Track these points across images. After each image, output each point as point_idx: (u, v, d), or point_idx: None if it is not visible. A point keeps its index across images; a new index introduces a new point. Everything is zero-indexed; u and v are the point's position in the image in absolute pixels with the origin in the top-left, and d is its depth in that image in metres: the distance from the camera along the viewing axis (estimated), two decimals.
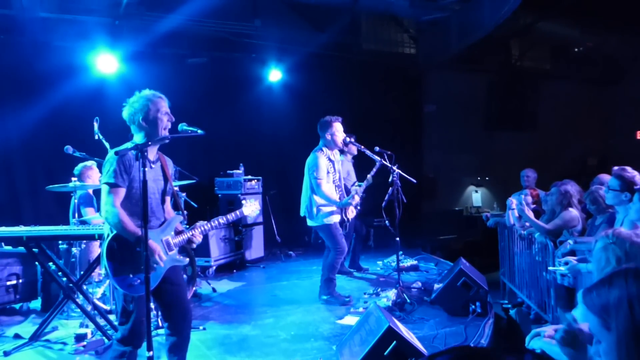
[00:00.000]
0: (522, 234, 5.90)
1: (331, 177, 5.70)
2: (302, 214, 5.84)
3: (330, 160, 5.73)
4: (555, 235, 5.06)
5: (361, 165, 6.97)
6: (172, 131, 3.25)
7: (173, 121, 3.25)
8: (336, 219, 5.69)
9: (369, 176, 6.81)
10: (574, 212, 5.01)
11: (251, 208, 3.78)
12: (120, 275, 3.03)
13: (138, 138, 3.20)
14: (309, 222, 5.80)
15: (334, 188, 5.72)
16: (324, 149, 5.73)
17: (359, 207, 6.77)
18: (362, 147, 5.97)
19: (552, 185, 5.39)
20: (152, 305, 3.22)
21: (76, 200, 5.30)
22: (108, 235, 3.08)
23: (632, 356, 1.32)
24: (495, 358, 0.83)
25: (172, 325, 3.30)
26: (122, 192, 3.07)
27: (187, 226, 3.46)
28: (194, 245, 3.40)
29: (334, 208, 5.67)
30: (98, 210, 5.60)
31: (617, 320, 1.35)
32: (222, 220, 3.53)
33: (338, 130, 5.72)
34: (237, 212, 3.69)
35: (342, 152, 6.84)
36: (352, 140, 6.10)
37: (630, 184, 3.99)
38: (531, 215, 5.48)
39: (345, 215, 5.75)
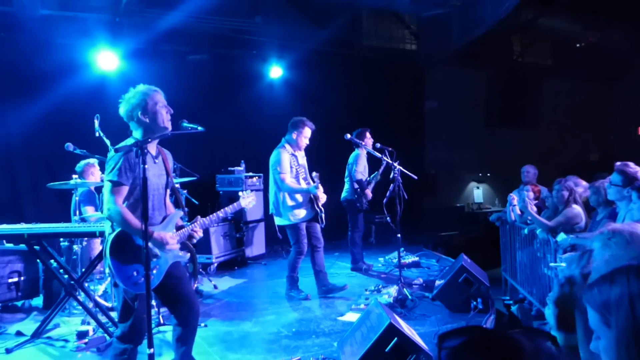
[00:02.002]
0: (524, 231, 5.88)
1: (294, 171, 5.72)
2: (270, 211, 5.89)
3: (293, 155, 5.76)
4: (557, 232, 5.04)
5: (371, 159, 7.07)
6: (173, 128, 3.24)
7: (172, 113, 3.24)
8: (303, 213, 5.70)
9: (377, 173, 6.92)
10: (576, 209, 4.99)
11: (248, 200, 3.81)
12: (124, 273, 3.03)
13: (137, 134, 3.19)
14: (277, 221, 5.82)
15: (300, 181, 5.75)
16: (287, 145, 5.78)
17: (366, 204, 6.83)
18: (373, 149, 6.18)
19: (556, 183, 5.37)
20: (153, 303, 3.22)
21: (77, 198, 5.31)
22: (110, 234, 3.08)
23: (632, 353, 1.32)
24: (510, 341, 0.83)
25: (179, 317, 3.32)
26: (125, 190, 3.06)
27: (188, 222, 3.47)
28: (195, 240, 3.41)
29: (299, 201, 5.68)
30: (99, 208, 5.61)
31: (617, 317, 1.35)
32: (221, 213, 3.55)
33: (305, 135, 5.77)
34: (235, 204, 3.72)
35: (357, 146, 6.87)
36: (352, 138, 6.13)
37: (633, 180, 3.98)
38: (534, 211, 5.46)
39: (318, 207, 5.74)
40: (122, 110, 3.18)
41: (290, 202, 5.68)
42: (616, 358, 1.35)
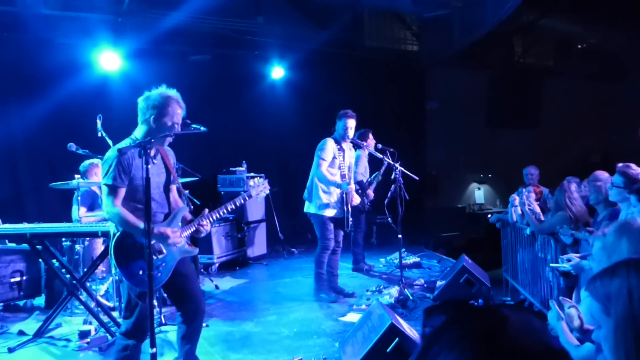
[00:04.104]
0: (526, 231, 5.88)
1: (337, 163, 5.66)
2: (304, 197, 5.82)
3: (339, 147, 5.71)
4: (551, 234, 5.04)
5: (372, 160, 7.06)
6: None
7: (179, 132, 3.21)
8: (331, 213, 5.64)
9: (378, 174, 6.90)
10: (566, 213, 4.97)
11: (259, 189, 3.70)
12: (130, 271, 3.05)
13: (139, 131, 3.20)
14: (306, 207, 5.76)
15: (338, 173, 5.66)
16: (335, 137, 5.75)
17: (368, 205, 6.81)
18: (374, 150, 6.15)
19: (560, 185, 5.35)
20: (155, 303, 3.24)
21: (79, 198, 5.31)
22: (115, 234, 3.10)
23: (628, 341, 1.41)
24: (494, 312, 0.84)
25: (184, 315, 3.35)
26: (122, 192, 3.09)
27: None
28: (202, 235, 3.41)
29: (332, 200, 5.62)
30: (100, 208, 5.61)
31: (616, 307, 1.44)
32: (230, 205, 3.51)
33: (349, 126, 5.69)
34: (245, 194, 3.65)
35: (359, 147, 6.86)
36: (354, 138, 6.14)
37: (634, 182, 3.98)
38: (535, 211, 5.45)
39: (347, 206, 5.64)
40: (141, 102, 3.18)
41: (322, 196, 5.61)
42: (614, 345, 1.44)
